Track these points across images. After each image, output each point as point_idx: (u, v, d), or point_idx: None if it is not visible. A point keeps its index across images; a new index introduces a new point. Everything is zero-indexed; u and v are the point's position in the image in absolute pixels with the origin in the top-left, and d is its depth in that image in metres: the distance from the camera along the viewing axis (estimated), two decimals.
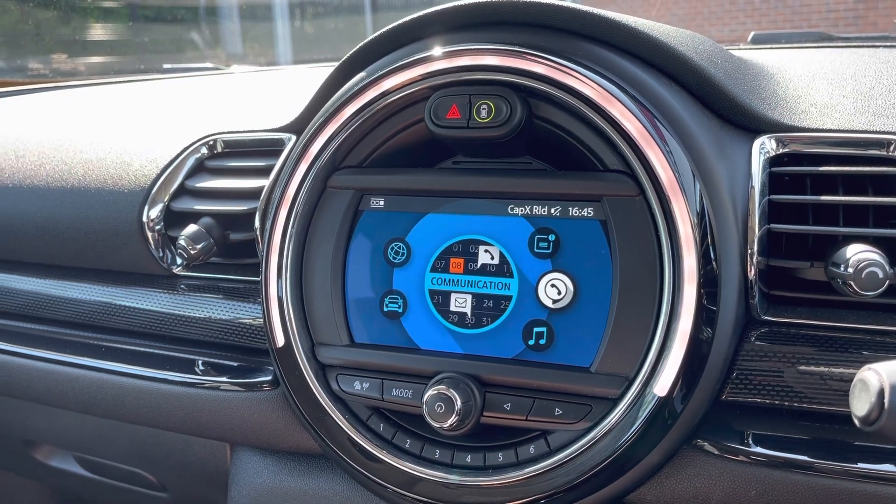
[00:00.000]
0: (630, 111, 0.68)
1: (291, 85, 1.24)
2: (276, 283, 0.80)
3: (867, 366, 0.49)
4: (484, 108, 0.72)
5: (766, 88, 0.81)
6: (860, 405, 0.49)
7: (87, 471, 1.23)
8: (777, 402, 0.70)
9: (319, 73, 0.88)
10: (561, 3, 0.73)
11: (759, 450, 0.69)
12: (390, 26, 0.81)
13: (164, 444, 1.03)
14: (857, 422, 0.49)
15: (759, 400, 0.71)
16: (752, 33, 1.45)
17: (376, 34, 0.82)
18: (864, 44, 1.27)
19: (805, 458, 0.67)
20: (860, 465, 0.66)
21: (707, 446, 0.71)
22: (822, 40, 1.36)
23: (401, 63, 0.75)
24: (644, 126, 0.68)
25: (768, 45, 1.34)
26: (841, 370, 0.68)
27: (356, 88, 0.78)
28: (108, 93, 1.45)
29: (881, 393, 0.47)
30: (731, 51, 0.89)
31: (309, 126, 0.81)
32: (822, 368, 0.69)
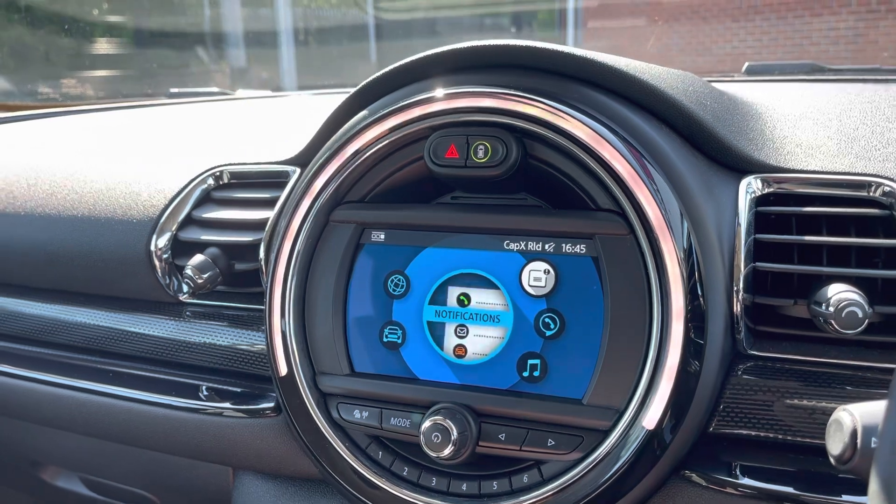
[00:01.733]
0: (620, 153, 0.71)
1: (296, 114, 1.28)
2: (280, 314, 0.83)
3: (842, 406, 0.51)
4: (481, 149, 0.74)
5: (753, 129, 0.84)
6: (834, 444, 0.51)
7: (92, 491, 1.25)
8: (763, 435, 0.72)
9: (323, 102, 0.91)
10: (557, 47, 0.76)
11: (746, 481, 0.71)
12: (393, 66, 0.84)
13: (168, 467, 1.05)
14: (832, 460, 0.51)
15: (745, 432, 0.73)
16: (746, 64, 1.49)
17: (380, 73, 0.85)
18: (855, 76, 1.30)
19: (791, 489, 0.69)
20: (844, 497, 0.68)
21: (695, 478, 0.73)
22: (813, 72, 1.39)
23: (402, 104, 0.78)
24: (633, 167, 0.71)
25: (761, 77, 1.37)
26: (824, 404, 0.70)
27: (359, 127, 0.81)
28: (116, 118, 1.49)
29: (854, 433, 0.50)
30: (724, 83, 0.92)
31: (313, 162, 0.84)
32: (806, 402, 0.71)
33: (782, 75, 1.37)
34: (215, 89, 1.91)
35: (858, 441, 0.49)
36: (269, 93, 1.89)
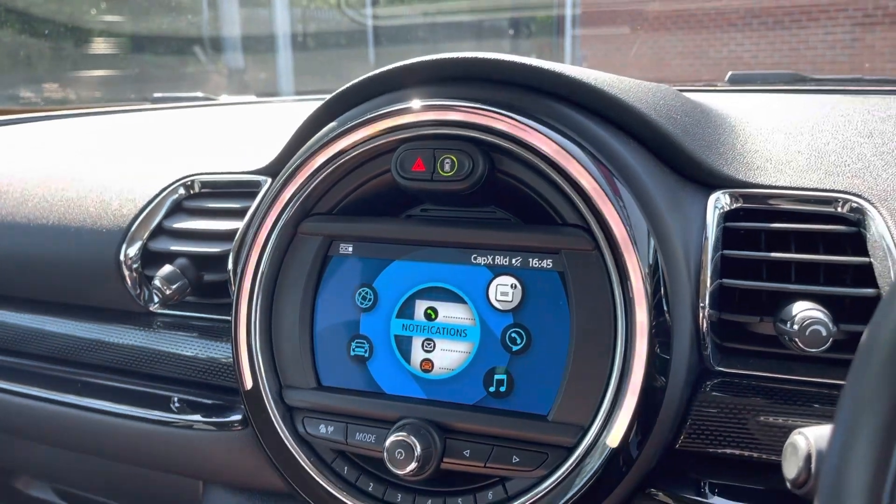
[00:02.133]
0: (586, 168, 0.70)
1: (275, 121, 1.27)
2: (246, 327, 0.82)
3: (797, 430, 0.51)
4: (448, 162, 0.74)
5: (724, 142, 0.83)
6: (790, 468, 0.50)
7: (65, 502, 1.24)
8: (731, 452, 0.72)
9: (305, 109, 0.90)
10: (525, 60, 0.76)
11: (714, 500, 0.71)
12: (365, 76, 0.83)
13: (139, 479, 1.04)
14: (788, 484, 0.51)
15: (712, 449, 0.72)
16: (728, 73, 1.49)
17: (352, 83, 0.84)
18: (837, 87, 1.30)
19: None
20: None
21: (661, 496, 0.72)
22: (796, 82, 1.39)
23: (369, 116, 0.78)
24: (599, 183, 0.70)
25: (743, 87, 1.37)
26: (791, 422, 0.70)
27: (327, 139, 0.80)
28: (95, 124, 1.48)
29: (808, 458, 0.49)
30: (705, 93, 0.91)
31: (282, 172, 0.84)
32: (772, 419, 0.71)
33: (764, 85, 1.37)
34: (199, 94, 1.90)
35: (813, 465, 0.49)
36: (252, 98, 1.88)
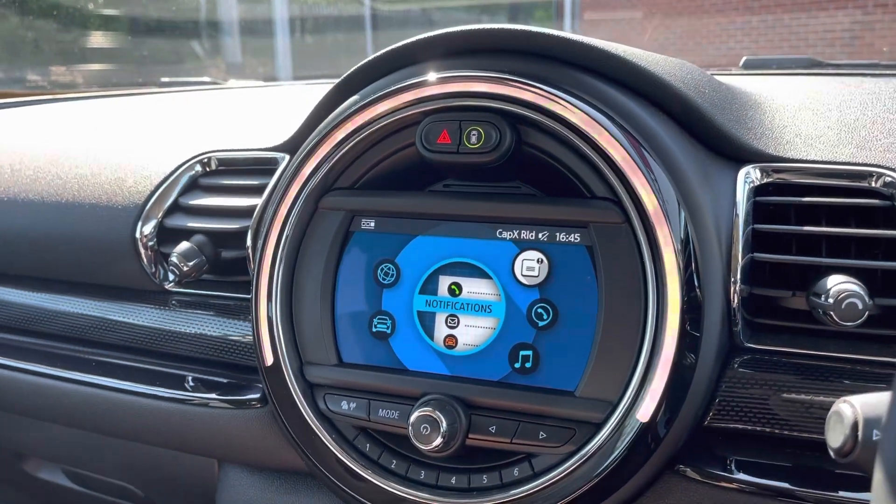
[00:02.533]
0: (616, 139, 0.69)
1: (287, 102, 1.26)
2: (266, 303, 0.81)
3: (843, 398, 0.50)
4: (474, 134, 0.73)
5: (752, 118, 0.82)
6: (835, 437, 0.49)
7: (76, 484, 1.23)
8: (759, 429, 0.71)
9: (315, 91, 0.89)
10: (552, 31, 0.74)
11: (741, 476, 0.70)
12: (385, 50, 0.82)
13: (152, 459, 1.03)
14: (832, 453, 0.50)
15: (741, 426, 0.71)
16: (743, 58, 1.47)
17: (371, 57, 0.83)
18: (853, 71, 1.29)
19: (787, 485, 0.68)
20: (841, 493, 0.67)
21: (689, 472, 0.71)
22: (812, 66, 1.38)
23: (393, 88, 0.76)
24: (629, 154, 0.69)
25: (759, 71, 1.36)
26: (822, 398, 0.69)
27: (349, 111, 0.79)
28: (105, 106, 1.46)
29: (855, 426, 0.48)
30: (721, 77, 0.91)
31: (302, 147, 0.82)
32: (803, 396, 0.70)
33: (780, 69, 1.36)
34: (207, 79, 1.88)
35: (860, 433, 0.48)
36: (261, 83, 1.87)
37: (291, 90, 1.50)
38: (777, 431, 0.70)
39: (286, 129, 0.96)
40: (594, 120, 0.70)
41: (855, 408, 0.49)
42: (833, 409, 0.50)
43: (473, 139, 0.73)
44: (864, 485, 0.67)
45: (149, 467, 1.05)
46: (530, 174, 0.77)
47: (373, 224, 0.81)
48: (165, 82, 1.85)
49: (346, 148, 0.80)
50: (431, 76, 0.75)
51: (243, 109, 1.30)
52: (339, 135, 0.79)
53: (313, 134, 0.82)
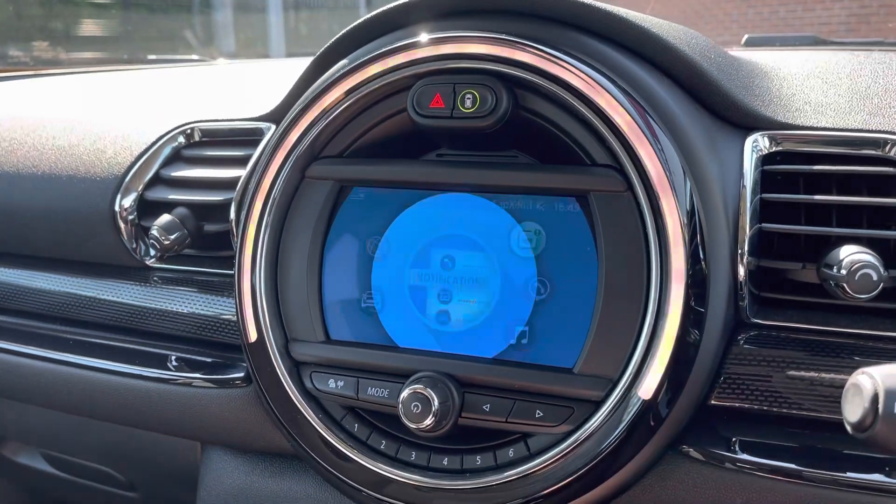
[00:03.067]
0: (619, 103, 0.66)
1: (276, 75, 1.21)
2: (250, 276, 0.77)
3: (861, 369, 0.47)
4: (469, 98, 0.69)
5: (759, 86, 0.79)
6: (853, 410, 0.46)
7: (56, 469, 1.19)
8: (765, 408, 0.68)
9: (305, 64, 0.85)
10: None
11: (745, 457, 0.67)
12: (373, 13, 0.78)
13: (134, 442, 0.99)
14: (849, 428, 0.47)
15: (746, 405, 0.68)
16: (745, 36, 1.44)
17: (359, 21, 0.79)
18: (858, 48, 1.26)
19: (793, 466, 0.65)
20: (849, 474, 0.64)
21: (692, 452, 0.68)
22: (815, 44, 1.35)
23: (383, 50, 0.73)
24: (634, 119, 0.65)
25: (762, 48, 1.32)
26: (831, 376, 0.66)
27: (337, 75, 0.75)
28: (87, 81, 1.42)
29: (875, 398, 0.45)
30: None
31: (289, 114, 0.79)
32: (811, 374, 0.66)
33: (783, 46, 1.32)
34: (195, 57, 1.84)
35: (880, 406, 0.45)
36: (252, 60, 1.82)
37: (281, 63, 1.46)
38: (784, 410, 0.67)
39: (272, 100, 0.92)
40: (597, 83, 0.66)
41: (875, 379, 0.46)
42: (851, 380, 0.47)
43: (468, 103, 0.69)
44: (873, 466, 0.64)
45: (130, 451, 1.02)
46: (527, 142, 0.74)
47: (362, 194, 0.78)
48: (153, 59, 1.80)
49: (335, 114, 0.76)
50: (424, 37, 0.71)
51: (229, 82, 1.26)
52: (327, 100, 0.75)
53: (300, 100, 0.79)
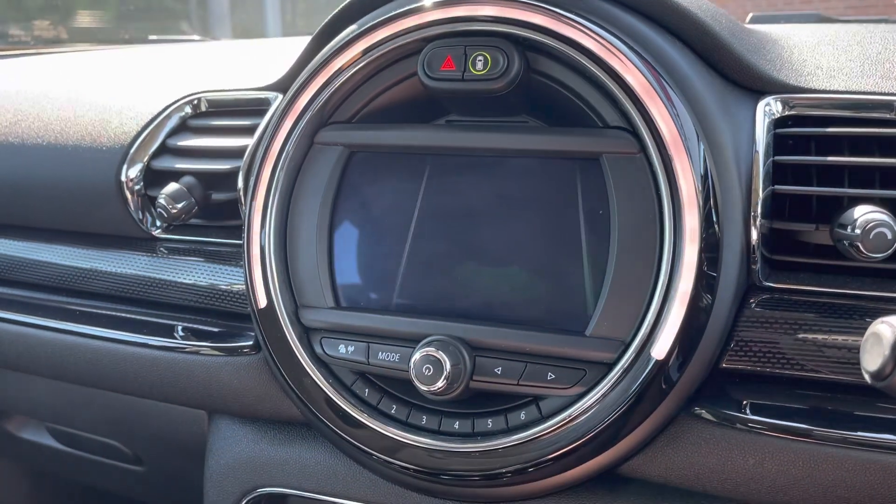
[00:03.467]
0: (633, 64, 0.65)
1: (280, 49, 1.21)
2: (259, 241, 0.77)
3: (880, 318, 0.47)
4: (480, 60, 0.69)
5: (770, 51, 0.78)
6: (872, 359, 0.46)
7: (61, 443, 1.19)
8: (777, 371, 0.68)
9: (307, 41, 0.85)
10: None
11: (756, 417, 0.67)
12: None
13: (140, 413, 0.99)
14: (867, 377, 0.47)
15: (758, 368, 0.68)
16: (750, 14, 1.44)
17: None
18: (864, 24, 1.25)
19: (804, 426, 0.65)
20: (860, 433, 0.64)
21: (704, 414, 0.68)
22: (820, 21, 1.34)
23: (394, 13, 0.72)
24: (647, 80, 0.65)
25: (768, 25, 1.32)
26: (843, 338, 0.66)
27: (346, 40, 0.75)
28: (91, 58, 1.41)
29: (895, 346, 0.45)
30: None
31: (297, 79, 0.78)
32: (823, 336, 0.66)
33: (789, 23, 1.32)
34: (196, 37, 1.83)
35: None
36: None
37: (285, 41, 1.45)
38: (796, 373, 0.67)
39: (279, 70, 0.92)
40: (609, 44, 0.66)
41: (895, 328, 0.46)
42: (870, 330, 0.47)
43: (479, 65, 0.68)
44: (884, 425, 0.64)
45: (136, 422, 1.02)
46: (539, 106, 0.73)
47: (372, 160, 0.77)
48: (154, 39, 1.79)
49: (344, 79, 0.75)
50: (433, 0, 0.70)
51: (235, 56, 1.25)
52: (336, 65, 0.75)
53: (309, 65, 0.78)
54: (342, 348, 0.74)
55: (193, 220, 0.91)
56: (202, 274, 0.90)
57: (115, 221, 0.95)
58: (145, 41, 1.81)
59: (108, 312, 0.95)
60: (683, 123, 0.65)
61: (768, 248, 0.69)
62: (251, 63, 1.10)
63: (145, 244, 0.95)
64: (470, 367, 0.69)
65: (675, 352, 0.64)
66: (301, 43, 0.87)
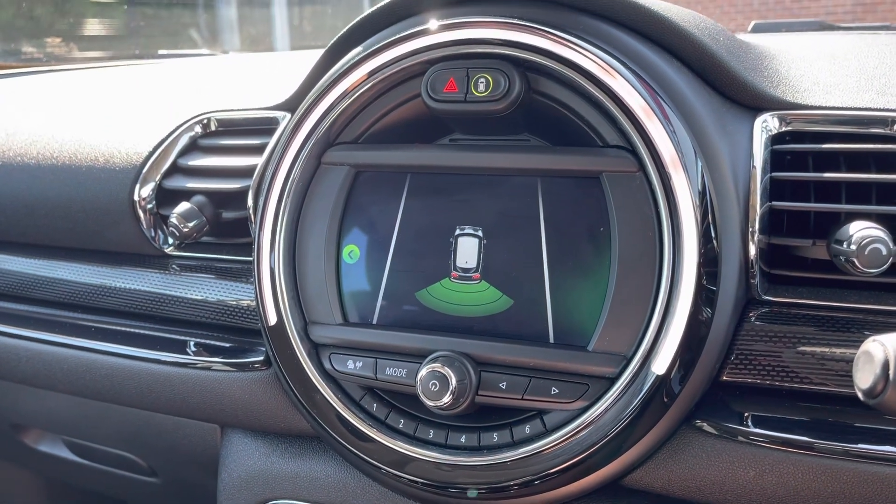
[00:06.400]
0: (631, 85, 0.67)
1: (288, 66, 1.23)
2: (269, 260, 0.79)
3: (872, 337, 0.48)
4: (482, 82, 0.70)
5: (768, 67, 0.80)
6: (864, 377, 0.47)
7: (77, 455, 1.21)
8: (777, 383, 0.69)
9: (317, 56, 0.87)
10: None
11: (758, 430, 0.68)
12: (386, 1, 0.79)
13: (154, 427, 1.01)
14: (860, 394, 0.48)
15: (758, 381, 0.69)
16: (752, 23, 1.45)
17: (371, 10, 0.81)
18: (865, 32, 1.26)
19: (804, 438, 0.66)
20: (860, 445, 0.65)
21: (706, 427, 0.69)
22: (822, 29, 1.35)
23: (398, 36, 0.74)
24: (645, 100, 0.67)
25: (769, 34, 1.33)
26: (842, 350, 0.67)
27: (352, 62, 0.77)
28: (102, 75, 1.44)
29: (886, 365, 0.46)
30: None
31: (304, 100, 0.80)
32: (822, 349, 0.68)
33: (790, 31, 1.33)
34: (205, 51, 1.85)
35: (891, 373, 0.46)
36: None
37: (292, 56, 1.48)
38: (795, 385, 0.69)
39: (287, 89, 0.94)
40: (608, 66, 0.67)
41: (885, 347, 0.47)
42: (862, 348, 0.48)
43: (481, 87, 0.70)
44: (883, 437, 0.65)
45: (151, 436, 1.04)
46: (540, 126, 0.75)
47: (378, 180, 0.79)
48: (163, 54, 1.82)
49: (350, 101, 0.77)
50: (437, 23, 0.72)
51: (243, 73, 1.28)
52: (342, 87, 0.77)
53: (316, 87, 0.80)
54: (350, 364, 0.76)
55: (204, 238, 0.93)
56: (213, 290, 0.92)
57: (128, 239, 0.98)
58: (155, 56, 1.83)
59: (123, 329, 0.97)
60: (681, 142, 0.66)
61: (767, 262, 0.70)
62: (260, 80, 1.13)
63: (158, 261, 0.98)
64: (475, 383, 0.70)
65: (676, 365, 0.66)
66: (308, 58, 0.89)
